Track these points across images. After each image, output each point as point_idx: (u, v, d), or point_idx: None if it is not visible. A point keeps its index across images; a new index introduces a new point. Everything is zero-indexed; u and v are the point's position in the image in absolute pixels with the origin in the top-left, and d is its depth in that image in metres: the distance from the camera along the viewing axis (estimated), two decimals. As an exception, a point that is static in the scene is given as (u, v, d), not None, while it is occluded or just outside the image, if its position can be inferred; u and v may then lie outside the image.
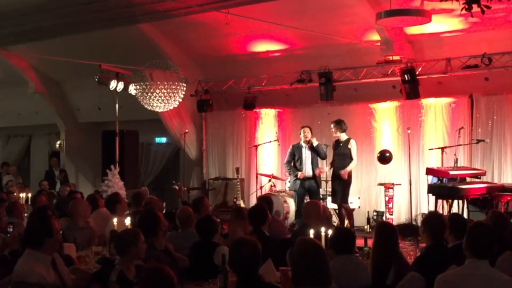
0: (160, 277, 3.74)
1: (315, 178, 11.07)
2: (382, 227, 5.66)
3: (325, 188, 12.00)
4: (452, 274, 4.41)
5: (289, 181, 12.17)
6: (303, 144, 11.10)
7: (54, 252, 4.82)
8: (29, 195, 11.44)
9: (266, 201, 8.20)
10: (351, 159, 10.93)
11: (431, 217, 5.76)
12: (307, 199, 10.62)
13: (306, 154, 11.06)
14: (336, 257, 5.18)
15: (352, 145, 10.93)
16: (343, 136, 10.99)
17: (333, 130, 11.06)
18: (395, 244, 5.39)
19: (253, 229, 6.63)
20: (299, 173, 10.94)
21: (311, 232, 6.26)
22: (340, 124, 11.02)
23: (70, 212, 7.41)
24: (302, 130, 11.19)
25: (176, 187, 13.23)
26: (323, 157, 11.25)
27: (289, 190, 12.08)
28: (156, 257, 5.40)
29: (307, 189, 10.98)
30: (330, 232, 6.03)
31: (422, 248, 6.36)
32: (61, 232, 5.33)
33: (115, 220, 7.17)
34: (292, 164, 11.13)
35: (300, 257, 4.44)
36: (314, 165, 11.05)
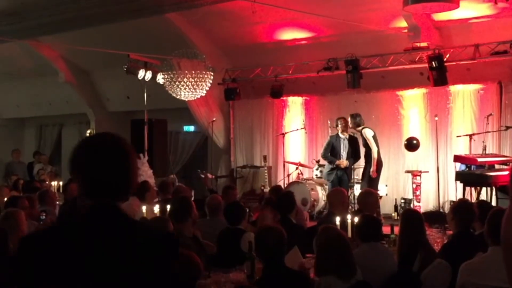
0: (186, 264, 3.83)
1: (346, 170, 11.19)
2: (408, 215, 5.69)
3: (353, 176, 12.01)
4: (475, 262, 4.44)
5: (319, 170, 12.26)
6: (341, 136, 11.23)
7: None
8: (61, 183, 11.65)
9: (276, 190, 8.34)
10: (369, 149, 11.09)
11: (461, 205, 5.77)
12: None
13: (344, 145, 11.18)
14: (362, 244, 5.23)
15: (366, 135, 11.07)
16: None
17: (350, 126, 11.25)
18: (421, 232, 5.41)
19: (281, 217, 6.71)
20: (339, 161, 11.04)
21: (337, 220, 6.32)
22: (354, 118, 11.17)
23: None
24: (338, 122, 11.31)
25: (202, 175, 13.33)
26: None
27: (322, 178, 12.16)
28: (184, 244, 5.50)
29: (339, 178, 11.08)
30: (356, 220, 6.08)
31: (449, 236, 6.37)
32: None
33: (144, 207, 7.30)
34: (329, 155, 11.26)
35: (322, 246, 4.50)
36: (349, 156, 11.18)
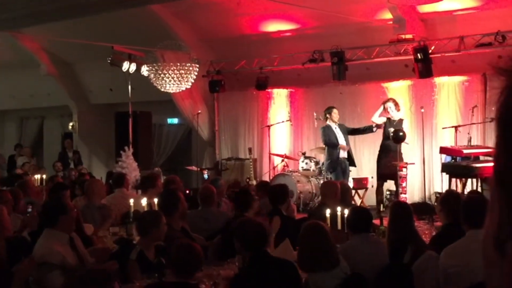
0: (188, 253, 3.89)
1: (350, 157, 11.31)
2: (397, 207, 5.69)
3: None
4: (455, 245, 4.48)
5: (305, 162, 12.20)
6: (332, 124, 11.24)
7: (71, 231, 4.86)
8: (44, 176, 11.52)
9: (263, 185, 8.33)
10: None
11: (449, 197, 5.79)
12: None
13: (338, 133, 11.22)
14: (353, 236, 5.22)
15: None
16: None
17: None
18: (411, 223, 5.42)
19: (272, 208, 6.68)
20: (341, 144, 11.11)
21: (328, 212, 6.30)
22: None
23: (86, 192, 7.47)
24: (334, 111, 11.30)
25: (206, 175, 13.24)
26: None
27: (309, 170, 12.16)
28: (174, 237, 5.45)
29: (343, 170, 11.13)
30: (346, 211, 6.08)
31: (438, 227, 6.38)
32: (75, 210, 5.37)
33: (131, 200, 7.22)
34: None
35: (302, 243, 4.50)
36: (347, 143, 11.30)
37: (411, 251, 5.13)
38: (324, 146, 11.53)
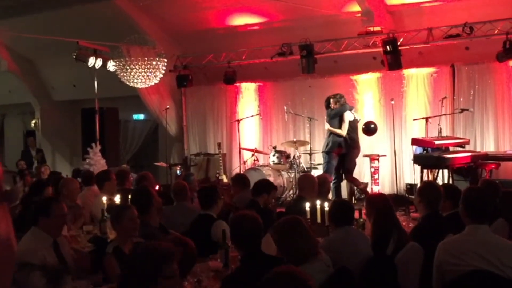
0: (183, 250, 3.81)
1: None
2: (376, 199, 5.63)
3: (309, 160, 11.95)
4: (453, 241, 4.42)
5: (276, 156, 12.14)
6: None
7: (57, 236, 4.69)
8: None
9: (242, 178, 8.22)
10: None
11: (427, 187, 5.77)
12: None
13: None
14: (336, 229, 5.15)
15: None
16: None
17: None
18: (393, 215, 5.38)
19: (250, 200, 6.59)
20: None
21: (307, 205, 6.24)
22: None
23: (61, 191, 7.26)
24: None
25: (179, 171, 13.05)
26: None
27: (280, 165, 12.07)
28: (151, 234, 5.32)
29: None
30: (326, 205, 6.03)
31: (417, 218, 6.36)
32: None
33: (104, 198, 7.06)
34: None
35: (280, 241, 4.41)
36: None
37: (394, 243, 5.09)
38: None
